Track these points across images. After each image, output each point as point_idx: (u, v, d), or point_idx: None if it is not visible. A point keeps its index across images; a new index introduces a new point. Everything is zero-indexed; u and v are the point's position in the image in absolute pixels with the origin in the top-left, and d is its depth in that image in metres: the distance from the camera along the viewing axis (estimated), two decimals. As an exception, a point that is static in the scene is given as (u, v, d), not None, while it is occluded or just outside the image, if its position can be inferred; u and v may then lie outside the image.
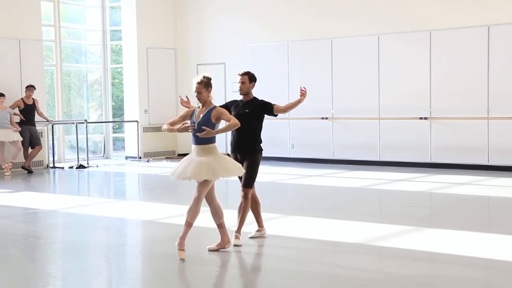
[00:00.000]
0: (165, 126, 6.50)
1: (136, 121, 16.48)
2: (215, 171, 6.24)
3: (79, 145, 15.36)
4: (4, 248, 7.13)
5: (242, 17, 16.04)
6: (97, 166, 15.14)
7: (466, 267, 6.04)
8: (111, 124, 17.30)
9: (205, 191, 6.33)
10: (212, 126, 6.32)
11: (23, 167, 14.05)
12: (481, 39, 12.89)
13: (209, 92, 6.45)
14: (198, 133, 6.26)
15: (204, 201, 6.43)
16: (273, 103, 7.08)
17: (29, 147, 14.05)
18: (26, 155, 14.04)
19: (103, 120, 17.17)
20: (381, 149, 14.12)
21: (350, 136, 14.48)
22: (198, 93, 6.40)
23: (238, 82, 7.07)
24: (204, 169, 6.21)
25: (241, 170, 6.53)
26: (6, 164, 13.53)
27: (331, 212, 8.99)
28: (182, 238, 6.30)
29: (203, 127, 6.25)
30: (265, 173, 12.66)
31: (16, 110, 13.90)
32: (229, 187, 11.03)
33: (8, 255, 6.84)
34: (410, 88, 13.69)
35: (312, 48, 14.94)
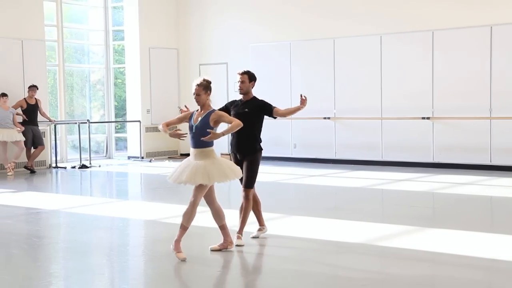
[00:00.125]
0: (160, 126, 6.49)
1: (139, 121, 16.50)
2: (210, 175, 6.21)
3: (81, 145, 15.38)
4: (6, 248, 7.15)
5: (244, 17, 16.04)
6: (99, 166, 15.16)
7: (468, 267, 6.04)
8: (113, 124, 17.31)
9: (201, 195, 6.32)
10: (210, 129, 6.29)
11: (25, 167, 14.08)
12: (484, 39, 12.88)
13: (208, 95, 6.42)
14: (203, 138, 6.24)
15: (204, 203, 6.44)
16: (273, 105, 7.07)
17: (32, 147, 14.08)
18: (28, 155, 14.06)
19: (106, 120, 17.18)
20: (383, 149, 14.12)
21: (352, 136, 14.48)
22: (197, 95, 6.37)
23: (238, 81, 7.06)
24: (199, 173, 6.19)
25: (238, 173, 6.51)
26: (9, 164, 13.55)
27: (333, 212, 8.99)
28: (177, 242, 6.30)
29: (208, 130, 6.24)
30: (267, 173, 12.68)
31: (19, 110, 13.93)
32: (231, 188, 11.03)
33: (10, 255, 6.86)
34: (412, 88, 13.69)
35: (314, 48, 14.94)
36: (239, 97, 7.17)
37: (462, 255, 6.39)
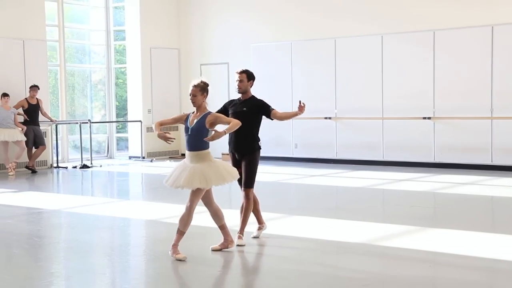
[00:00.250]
0: (153, 126, 6.48)
1: (140, 121, 16.51)
2: (208, 178, 6.19)
3: (82, 145, 15.39)
4: (8, 248, 7.16)
5: (246, 17, 16.05)
6: (100, 166, 15.17)
7: (469, 267, 6.03)
8: (114, 124, 17.32)
9: (198, 200, 6.32)
10: (206, 131, 6.28)
11: (27, 167, 14.09)
12: (485, 39, 12.88)
13: (205, 97, 6.38)
14: (205, 138, 6.24)
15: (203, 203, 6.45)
16: (272, 107, 7.07)
17: (33, 147, 14.09)
18: (30, 155, 14.08)
19: (107, 120, 17.19)
20: (385, 149, 14.11)
21: (353, 136, 14.48)
22: (193, 95, 6.35)
23: (236, 80, 7.05)
24: (197, 177, 6.17)
25: (235, 175, 6.48)
26: (10, 164, 13.57)
27: (333, 212, 8.99)
28: (175, 246, 6.30)
29: (210, 129, 6.24)
30: (268, 173, 12.69)
31: (20, 110, 13.94)
32: (231, 187, 11.02)
33: (11, 255, 6.87)
34: (413, 88, 13.69)
35: (315, 48, 14.94)
36: (237, 96, 7.16)
37: (463, 255, 6.39)
